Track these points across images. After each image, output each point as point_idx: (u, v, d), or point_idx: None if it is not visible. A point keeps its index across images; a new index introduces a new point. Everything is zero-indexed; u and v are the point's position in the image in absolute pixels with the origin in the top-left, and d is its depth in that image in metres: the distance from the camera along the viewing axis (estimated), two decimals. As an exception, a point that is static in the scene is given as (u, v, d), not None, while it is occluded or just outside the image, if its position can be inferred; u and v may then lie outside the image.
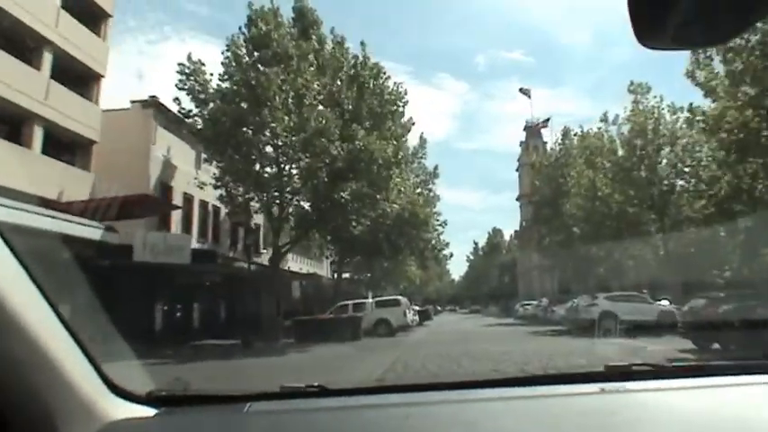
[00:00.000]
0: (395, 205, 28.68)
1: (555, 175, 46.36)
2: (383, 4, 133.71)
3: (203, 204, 31.92)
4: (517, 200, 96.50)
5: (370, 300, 29.03)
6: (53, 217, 16.50)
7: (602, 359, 3.79)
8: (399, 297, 29.76)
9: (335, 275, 41.66)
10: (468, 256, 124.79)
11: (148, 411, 1.55)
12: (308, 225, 26.86)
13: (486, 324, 41.53)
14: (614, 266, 42.56)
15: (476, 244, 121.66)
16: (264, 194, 25.14)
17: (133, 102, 28.94)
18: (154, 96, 28.58)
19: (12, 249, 1.27)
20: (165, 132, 29.07)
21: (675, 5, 0.87)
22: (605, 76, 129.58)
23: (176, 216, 29.50)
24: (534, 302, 49.04)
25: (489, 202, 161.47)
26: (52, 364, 1.29)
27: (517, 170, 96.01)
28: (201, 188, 26.76)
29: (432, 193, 40.44)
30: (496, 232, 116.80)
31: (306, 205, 27.53)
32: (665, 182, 30.60)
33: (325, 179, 24.52)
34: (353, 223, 25.81)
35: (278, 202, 25.58)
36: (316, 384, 1.70)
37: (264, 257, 36.75)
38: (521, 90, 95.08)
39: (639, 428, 1.41)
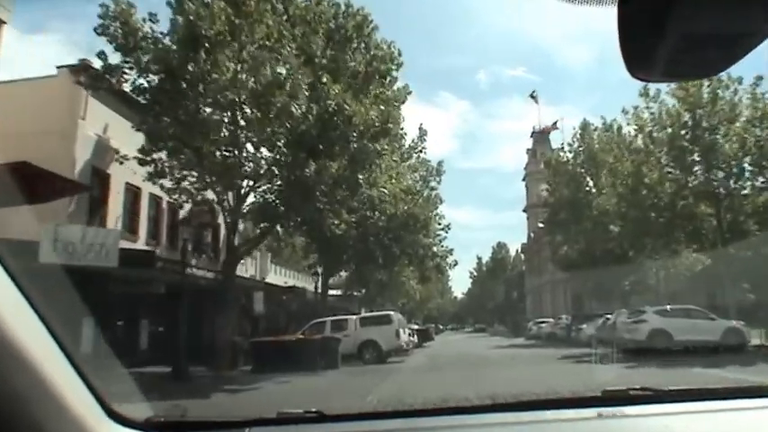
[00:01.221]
0: (384, 192, 22.71)
1: (575, 173, 40.51)
2: (383, 22, 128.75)
3: (155, 199, 25.86)
4: (524, 211, 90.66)
5: (354, 317, 22.88)
6: None
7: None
8: (391, 312, 23.59)
9: (321, 288, 35.52)
10: (471, 272, 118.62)
11: None
12: (269, 217, 20.70)
13: (496, 345, 35.33)
14: (652, 276, 36.63)
15: (479, 259, 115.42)
16: (211, 177, 19.18)
17: (59, 67, 23.05)
18: (85, 60, 22.62)
19: (9, 273, 1.26)
20: (101, 106, 23.09)
21: (665, 40, 0.88)
22: (608, 95, 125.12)
23: (115, 211, 23.54)
24: (550, 320, 42.86)
25: (492, 221, 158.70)
26: (51, 389, 1.26)
27: (524, 179, 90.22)
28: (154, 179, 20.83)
29: (434, 192, 34.45)
30: (501, 247, 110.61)
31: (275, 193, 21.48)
32: (724, 164, 24.48)
33: (288, 152, 18.61)
34: (329, 213, 19.79)
35: (232, 186, 19.64)
36: (314, 410, 1.70)
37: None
38: (531, 95, 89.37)
39: None
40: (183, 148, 18.06)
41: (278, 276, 49.24)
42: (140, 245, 24.05)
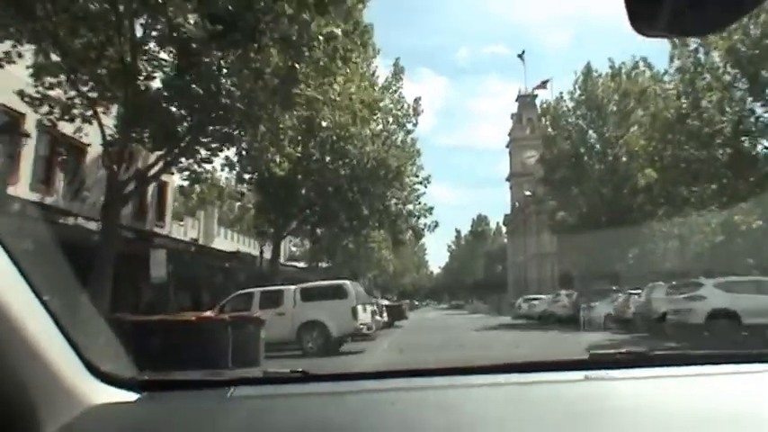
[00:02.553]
0: (341, 117, 16.19)
1: (576, 124, 34.40)
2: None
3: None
4: (507, 180, 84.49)
5: (292, 287, 16.20)
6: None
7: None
8: (346, 282, 16.75)
9: (272, 255, 28.90)
10: (449, 246, 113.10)
11: (131, 396, 1.54)
12: (171, 137, 13.84)
13: (482, 326, 29.16)
14: (672, 242, 30.90)
15: (458, 232, 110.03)
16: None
17: None
18: None
19: None
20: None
21: None
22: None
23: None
24: (542, 296, 36.79)
25: (470, 198, 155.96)
26: (35, 349, 1.27)
27: (507, 146, 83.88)
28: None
29: (410, 137, 27.80)
30: (481, 219, 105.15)
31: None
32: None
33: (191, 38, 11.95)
34: (252, 129, 13.18)
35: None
36: (299, 369, 1.68)
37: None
38: (519, 56, 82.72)
39: (623, 415, 1.41)
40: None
41: (231, 243, 42.50)
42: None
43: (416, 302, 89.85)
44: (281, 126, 14.09)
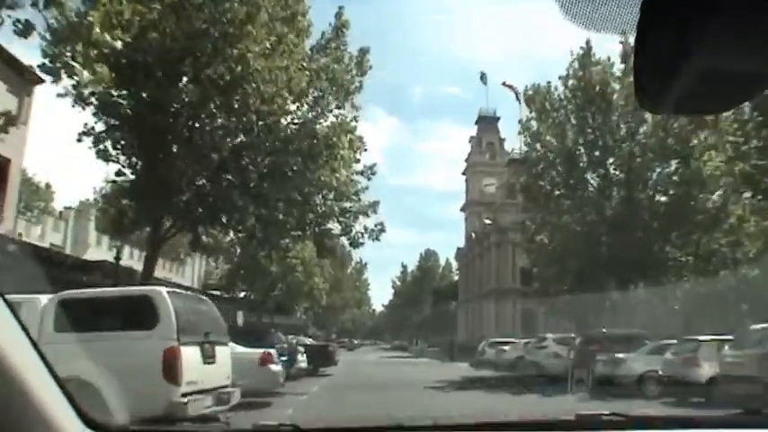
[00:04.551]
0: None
1: (577, 116, 26.58)
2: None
3: None
4: (462, 210, 76.50)
5: (44, 296, 7.26)
6: None
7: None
8: (157, 290, 7.02)
9: (145, 264, 19.35)
10: (393, 282, 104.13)
11: None
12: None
13: (438, 381, 20.27)
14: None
15: (404, 267, 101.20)
16: None
17: None
18: None
19: None
20: None
21: (680, 75, 0.86)
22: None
23: None
24: (515, 341, 28.15)
25: (418, 240, 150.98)
26: (30, 398, 1.26)
27: (464, 173, 76.15)
28: None
29: (353, 98, 18.70)
30: (430, 254, 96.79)
31: None
32: None
33: None
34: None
35: None
36: (288, 423, 1.66)
37: None
38: (480, 78, 75.44)
39: None
40: None
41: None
42: None
43: (356, 342, 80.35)
44: None
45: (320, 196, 18.41)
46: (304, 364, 20.64)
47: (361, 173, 19.36)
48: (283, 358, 16.20)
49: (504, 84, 71.67)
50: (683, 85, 0.87)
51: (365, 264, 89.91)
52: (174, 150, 16.06)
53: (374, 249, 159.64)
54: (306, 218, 18.49)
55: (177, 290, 7.93)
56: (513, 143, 59.74)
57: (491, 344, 29.93)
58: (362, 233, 18.74)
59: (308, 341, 25.21)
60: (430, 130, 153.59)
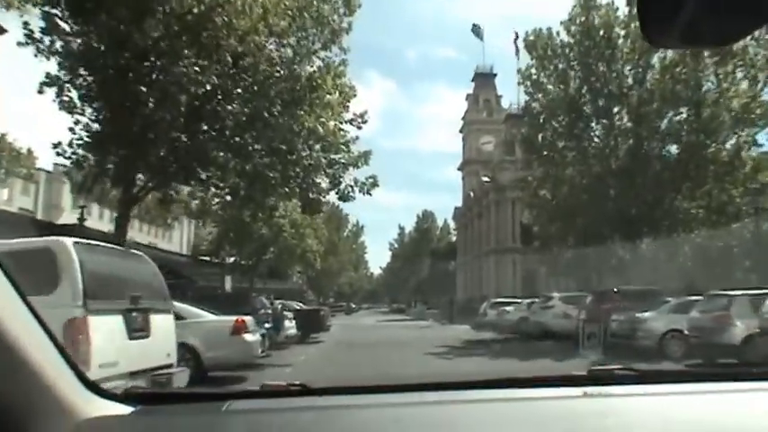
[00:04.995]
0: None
1: (583, 66, 24.72)
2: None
3: None
4: (459, 169, 74.74)
5: None
6: None
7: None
8: (60, 241, 5.76)
9: (116, 228, 17.66)
10: (391, 244, 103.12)
11: (125, 409, 1.48)
12: None
13: (440, 345, 18.95)
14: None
15: (401, 229, 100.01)
16: None
17: None
18: None
19: None
20: None
21: (684, 5, 0.85)
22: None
23: None
24: (519, 301, 26.79)
25: (415, 200, 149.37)
26: (27, 362, 1.26)
27: (461, 131, 74.23)
28: None
29: (340, 49, 16.78)
30: (427, 215, 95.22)
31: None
32: None
33: None
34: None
35: None
36: (297, 383, 1.62)
37: None
38: (473, 30, 72.50)
39: None
40: None
41: (97, 222, 30.97)
42: None
43: (353, 306, 79.32)
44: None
45: (305, 146, 16.70)
46: (293, 331, 19.25)
47: (351, 121, 17.64)
48: (267, 325, 14.74)
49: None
50: (688, 17, 0.83)
51: (362, 227, 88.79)
52: (140, 96, 14.31)
53: (371, 212, 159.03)
54: (290, 170, 16.81)
55: (92, 242, 6.25)
56: (511, 99, 58.44)
57: (492, 305, 28.58)
58: (352, 186, 17.12)
59: (297, 306, 23.74)
60: (426, 92, 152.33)
